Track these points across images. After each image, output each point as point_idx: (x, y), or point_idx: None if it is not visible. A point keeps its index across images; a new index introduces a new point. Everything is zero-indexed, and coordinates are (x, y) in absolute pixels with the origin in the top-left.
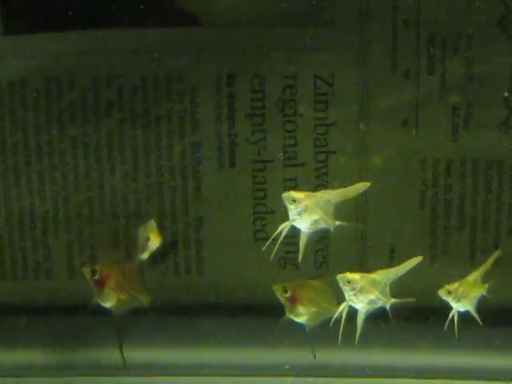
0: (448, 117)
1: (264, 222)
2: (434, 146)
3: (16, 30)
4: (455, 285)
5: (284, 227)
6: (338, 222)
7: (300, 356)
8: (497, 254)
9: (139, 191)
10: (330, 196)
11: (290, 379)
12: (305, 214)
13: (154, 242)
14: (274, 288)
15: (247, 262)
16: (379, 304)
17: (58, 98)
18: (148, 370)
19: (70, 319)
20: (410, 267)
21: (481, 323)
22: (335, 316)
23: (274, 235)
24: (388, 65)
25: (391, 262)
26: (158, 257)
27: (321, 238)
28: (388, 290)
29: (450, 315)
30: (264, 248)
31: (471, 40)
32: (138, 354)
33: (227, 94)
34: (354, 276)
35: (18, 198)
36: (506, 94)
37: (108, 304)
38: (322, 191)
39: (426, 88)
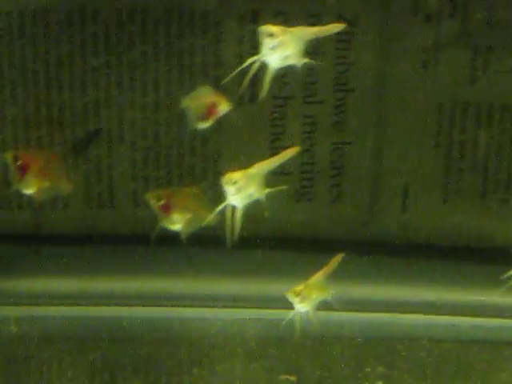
0: (467, 60)
1: None
2: (451, 89)
3: None
4: (301, 287)
5: (252, 61)
6: (305, 60)
7: None
8: (340, 256)
9: (160, 123)
10: (303, 33)
11: None
12: (278, 48)
13: (224, 107)
14: (146, 197)
15: None
16: (255, 197)
17: (80, 29)
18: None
19: None
20: (287, 158)
21: (318, 326)
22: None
23: (241, 67)
24: (410, 7)
25: (404, 201)
26: (79, 147)
27: (336, 174)
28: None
29: (291, 315)
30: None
31: None
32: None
33: (251, 30)
34: (236, 175)
35: None
36: None
37: (29, 191)
38: (298, 28)
39: (446, 31)
